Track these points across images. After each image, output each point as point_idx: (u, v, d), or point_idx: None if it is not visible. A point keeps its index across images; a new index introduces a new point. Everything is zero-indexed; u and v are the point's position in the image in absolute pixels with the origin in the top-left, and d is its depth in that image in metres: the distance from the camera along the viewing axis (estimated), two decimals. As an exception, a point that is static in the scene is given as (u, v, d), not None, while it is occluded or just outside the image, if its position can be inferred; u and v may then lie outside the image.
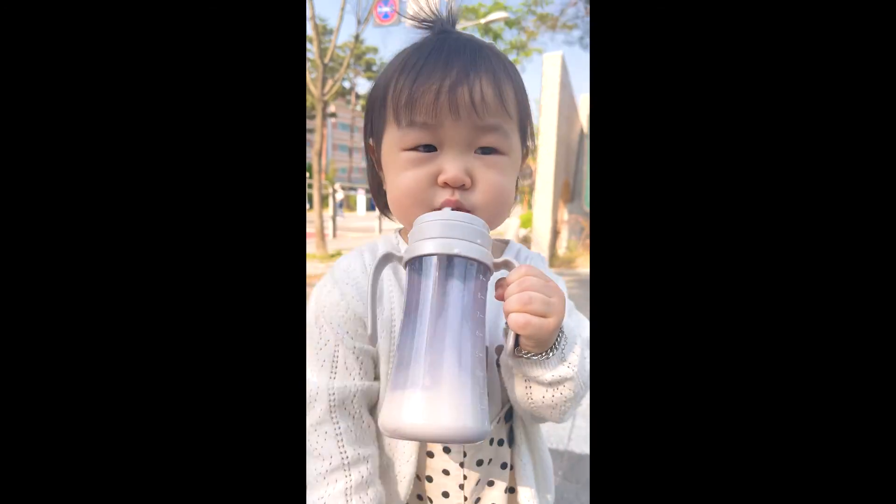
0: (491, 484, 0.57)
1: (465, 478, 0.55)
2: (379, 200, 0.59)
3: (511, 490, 0.58)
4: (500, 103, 0.49)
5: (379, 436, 0.55)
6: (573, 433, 2.01)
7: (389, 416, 0.40)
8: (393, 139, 0.50)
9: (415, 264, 0.43)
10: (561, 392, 0.47)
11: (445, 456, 0.55)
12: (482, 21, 10.25)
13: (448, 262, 0.42)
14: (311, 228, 8.49)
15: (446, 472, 0.55)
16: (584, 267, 6.88)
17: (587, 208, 7.69)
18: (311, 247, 7.82)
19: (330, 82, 8.44)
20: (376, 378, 0.54)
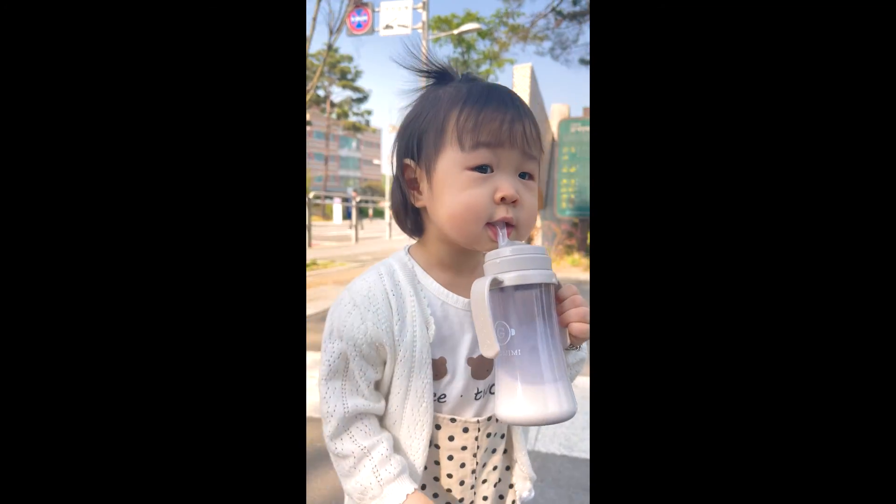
0: (494, 451, 0.69)
1: (477, 448, 0.67)
2: (405, 219, 0.67)
3: (505, 451, 0.71)
4: (538, 139, 0.61)
5: (397, 405, 0.63)
6: (539, 433, 2.07)
7: (509, 408, 0.54)
8: (454, 160, 0.59)
9: (514, 288, 0.55)
10: (575, 369, 0.66)
11: (462, 434, 0.65)
12: (455, 32, 10.39)
13: (539, 287, 0.55)
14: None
15: (464, 448, 0.66)
16: (557, 272, 6.99)
17: (559, 215, 7.85)
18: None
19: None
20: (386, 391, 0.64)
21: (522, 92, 6.88)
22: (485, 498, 0.69)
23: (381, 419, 0.64)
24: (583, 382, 2.67)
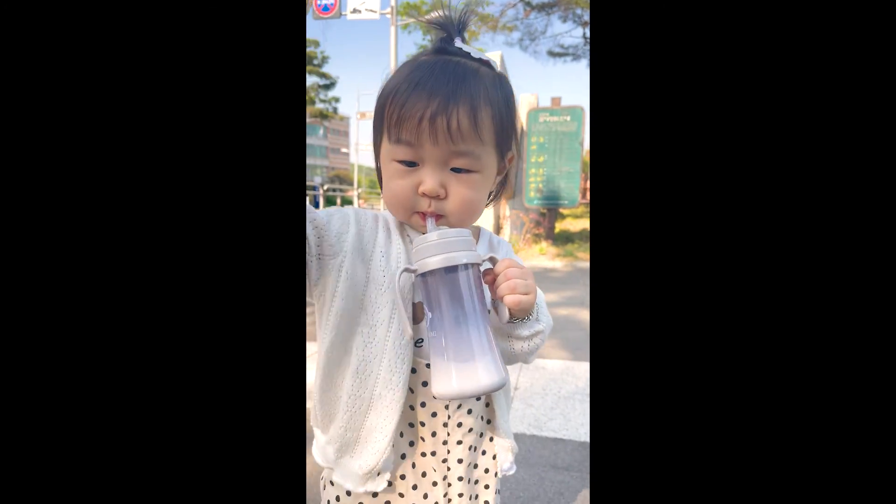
0: (469, 412, 0.70)
1: (447, 407, 0.68)
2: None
3: (486, 420, 0.74)
4: (473, 132, 0.58)
5: (368, 376, 0.63)
6: (510, 415, 2.12)
7: (445, 385, 0.55)
8: (386, 150, 0.62)
9: (430, 273, 0.57)
10: (534, 341, 0.65)
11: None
12: (422, 19, 10.27)
13: (457, 268, 0.56)
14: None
15: (424, 384, 0.66)
16: (525, 260, 7.10)
17: (528, 204, 7.95)
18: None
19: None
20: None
21: (492, 81, 6.89)
22: (459, 461, 0.69)
23: (365, 346, 0.62)
24: (552, 365, 2.74)
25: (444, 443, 0.68)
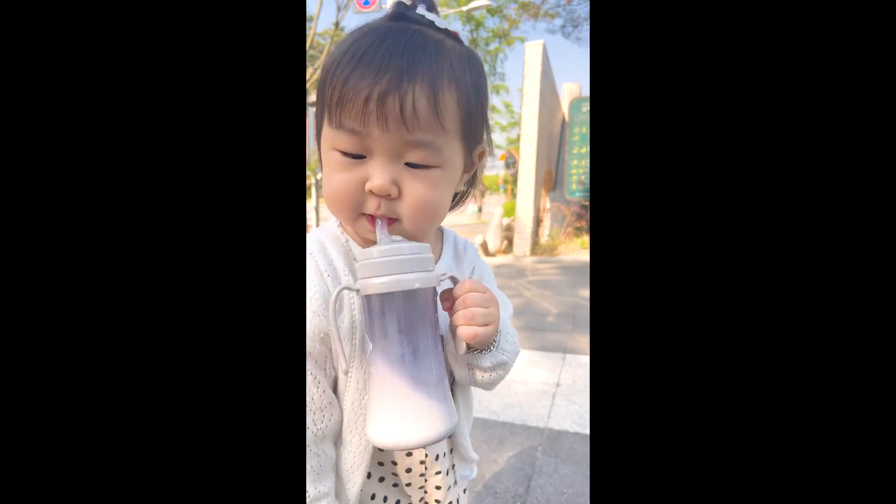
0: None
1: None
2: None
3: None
4: (433, 117, 0.46)
5: (345, 394, 0.57)
6: (552, 411, 2.10)
7: (383, 431, 0.47)
8: (327, 136, 0.49)
9: (374, 296, 0.47)
10: (497, 373, 0.56)
11: None
12: (464, 9, 10.19)
13: (408, 293, 0.47)
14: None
15: None
16: (566, 255, 7.00)
17: (569, 196, 7.78)
18: (295, 237, 7.74)
19: (310, 70, 8.32)
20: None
21: (534, 70, 6.76)
22: (437, 487, 0.66)
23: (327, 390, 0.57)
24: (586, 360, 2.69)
25: (422, 475, 0.65)
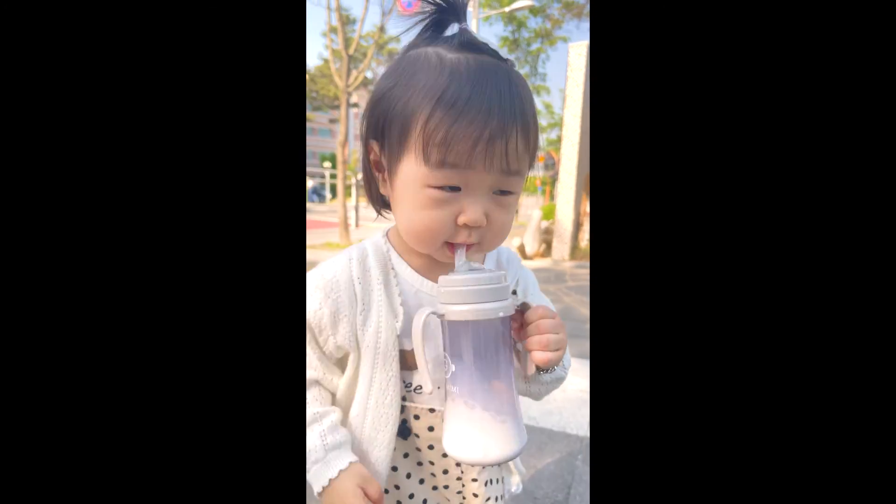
0: None
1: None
2: (371, 196, 0.62)
3: None
4: (527, 152, 0.51)
5: (362, 396, 0.60)
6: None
7: (466, 449, 0.51)
8: (416, 173, 0.50)
9: (458, 322, 0.51)
10: (553, 386, 0.63)
11: (442, 424, 0.62)
12: (507, 9, 10.13)
13: (489, 319, 0.50)
14: (334, 218, 8.59)
15: (430, 429, 0.63)
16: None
17: (611, 200, 7.58)
18: (335, 236, 7.94)
19: (354, 73, 8.48)
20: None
21: (578, 72, 6.63)
22: (475, 495, 0.66)
23: (346, 409, 0.62)
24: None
25: (458, 478, 0.65)
